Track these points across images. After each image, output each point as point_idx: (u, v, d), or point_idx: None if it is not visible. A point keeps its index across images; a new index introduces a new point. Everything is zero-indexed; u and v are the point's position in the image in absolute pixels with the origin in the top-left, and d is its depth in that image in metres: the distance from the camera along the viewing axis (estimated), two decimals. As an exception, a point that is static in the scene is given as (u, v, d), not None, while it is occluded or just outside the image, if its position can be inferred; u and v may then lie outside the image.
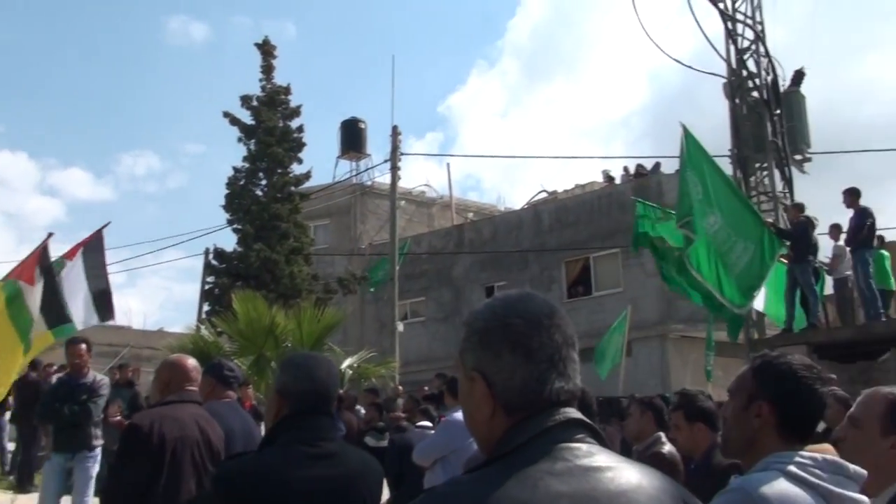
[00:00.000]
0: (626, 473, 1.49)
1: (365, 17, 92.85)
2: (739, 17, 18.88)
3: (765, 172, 18.68)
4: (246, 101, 27.67)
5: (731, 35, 18.55)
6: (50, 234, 10.41)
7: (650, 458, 5.23)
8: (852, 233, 15.10)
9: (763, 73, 18.60)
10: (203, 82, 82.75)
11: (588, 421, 1.56)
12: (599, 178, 33.38)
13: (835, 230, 16.24)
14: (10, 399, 14.62)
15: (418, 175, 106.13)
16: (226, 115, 27.46)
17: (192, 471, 4.26)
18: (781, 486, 2.16)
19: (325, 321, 16.65)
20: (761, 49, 18.67)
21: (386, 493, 7.66)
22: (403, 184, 28.52)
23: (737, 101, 18.54)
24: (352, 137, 37.20)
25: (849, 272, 15.83)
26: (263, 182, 27.49)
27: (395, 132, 24.74)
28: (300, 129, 28.07)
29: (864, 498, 2.24)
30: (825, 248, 16.07)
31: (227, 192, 27.23)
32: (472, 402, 1.58)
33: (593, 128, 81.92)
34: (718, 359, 19.87)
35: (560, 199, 33.20)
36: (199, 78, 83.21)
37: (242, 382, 7.79)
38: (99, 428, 9.38)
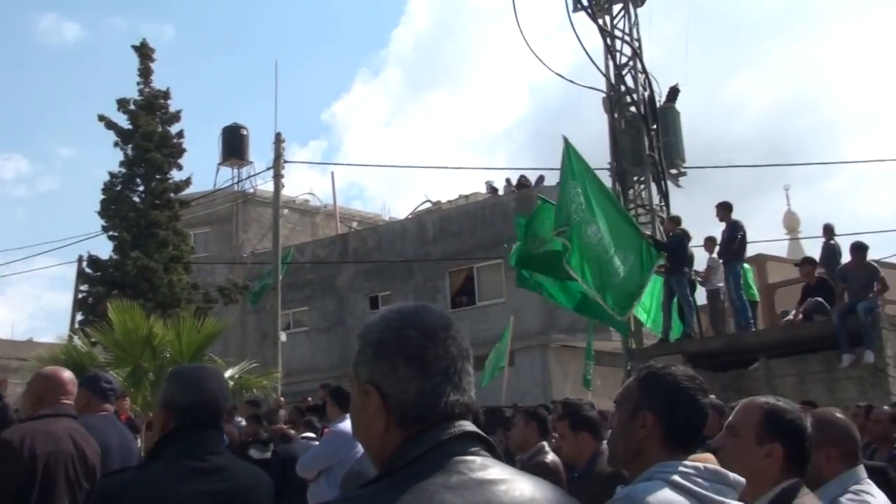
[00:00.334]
0: (520, 486, 1.49)
1: (247, 21, 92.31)
2: (618, 33, 19.29)
3: (642, 185, 19.07)
4: (123, 104, 27.08)
5: (609, 51, 18.89)
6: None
7: (534, 468, 5.24)
8: (725, 245, 15.29)
9: (640, 88, 18.99)
10: (76, 84, 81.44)
11: (482, 434, 1.55)
12: (483, 189, 33.52)
13: (709, 243, 16.27)
14: None
15: (302, 183, 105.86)
16: (101, 118, 26.86)
17: (66, 487, 4.08)
18: (665, 494, 2.19)
19: (205, 331, 16.26)
20: (638, 65, 19.11)
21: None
22: (287, 192, 28.34)
23: (615, 115, 18.84)
24: (233, 144, 36.57)
25: (721, 284, 15.87)
26: (141, 188, 26.93)
27: (279, 139, 24.56)
28: (180, 134, 27.66)
29: None
30: (699, 260, 16.33)
31: (102, 197, 26.58)
32: (366, 415, 1.55)
33: (476, 139, 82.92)
34: (597, 368, 20.03)
35: (444, 210, 33.23)
36: (71, 79, 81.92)
37: (120, 395, 7.51)
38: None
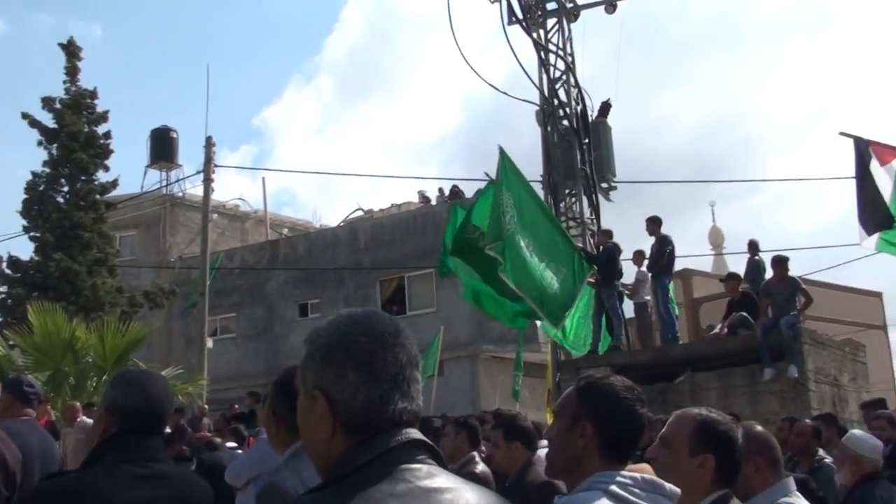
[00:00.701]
0: (465, 494, 1.51)
1: (178, 23, 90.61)
2: (552, 47, 19.39)
3: (573, 198, 19.19)
4: (48, 103, 26.51)
5: (543, 64, 18.90)
6: None
7: (464, 478, 5.18)
8: (654, 259, 15.41)
9: (573, 102, 19.05)
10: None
11: (429, 442, 1.54)
12: (415, 199, 33.47)
13: (637, 256, 16.38)
14: None
15: (232, 188, 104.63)
16: (24, 116, 26.28)
17: (-16, 493, 4.34)
18: (603, 504, 2.41)
19: (129, 336, 16.10)
20: (571, 80, 19.18)
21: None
22: (216, 196, 27.88)
23: (548, 128, 18.86)
24: (162, 146, 35.95)
25: (648, 297, 16.01)
26: (66, 189, 26.43)
27: (209, 143, 24.15)
28: (107, 135, 27.12)
29: None
30: (628, 274, 16.38)
31: (24, 197, 25.96)
32: (312, 421, 1.53)
33: (409, 148, 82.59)
34: (526, 379, 20.04)
35: (376, 218, 33.07)
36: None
37: (43, 400, 7.31)
38: None
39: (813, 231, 77.02)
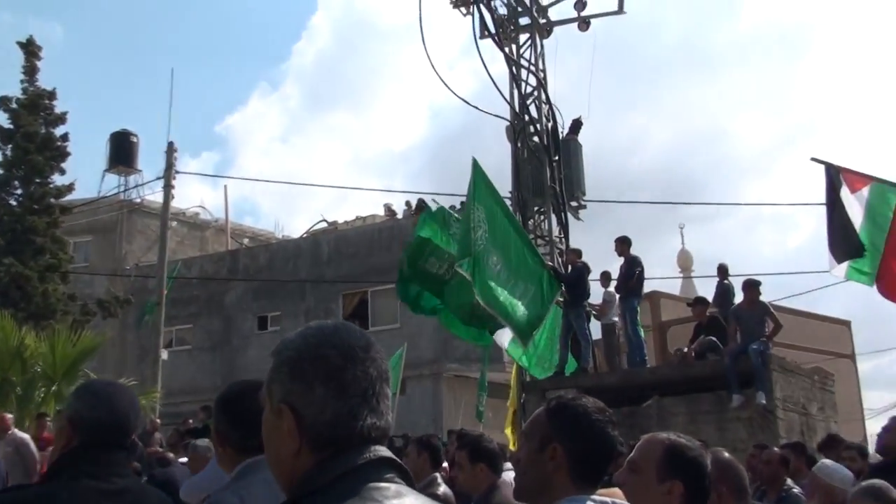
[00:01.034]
0: None
1: (143, 25, 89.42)
2: (524, 63, 19.29)
3: (542, 216, 19.01)
4: (4, 102, 26.28)
5: (515, 79, 18.84)
6: None
7: (426, 499, 5.45)
8: (622, 280, 15.41)
9: (544, 119, 18.93)
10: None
11: (397, 460, 1.53)
12: (381, 211, 33.06)
13: (604, 277, 16.45)
14: None
15: (192, 195, 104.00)
16: (-21, 115, 28.25)
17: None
18: (575, 529, 2.34)
19: (81, 345, 15.89)
20: (543, 96, 19.12)
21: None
22: (176, 203, 27.61)
23: (518, 144, 18.72)
24: (122, 151, 35.62)
25: (616, 318, 15.91)
26: (19, 191, 26.15)
27: (171, 148, 24.00)
28: (64, 137, 26.87)
29: None
30: (595, 294, 16.30)
31: (-25, 199, 27.75)
32: (278, 436, 1.52)
33: (375, 160, 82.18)
34: (490, 400, 19.99)
35: (340, 231, 32.60)
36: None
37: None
38: None
39: (783, 257, 77.73)
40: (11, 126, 26.18)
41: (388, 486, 1.46)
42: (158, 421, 17.23)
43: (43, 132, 26.46)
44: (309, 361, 1.51)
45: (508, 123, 18.82)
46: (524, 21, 19.90)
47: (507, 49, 18.89)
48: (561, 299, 15.17)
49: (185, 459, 9.00)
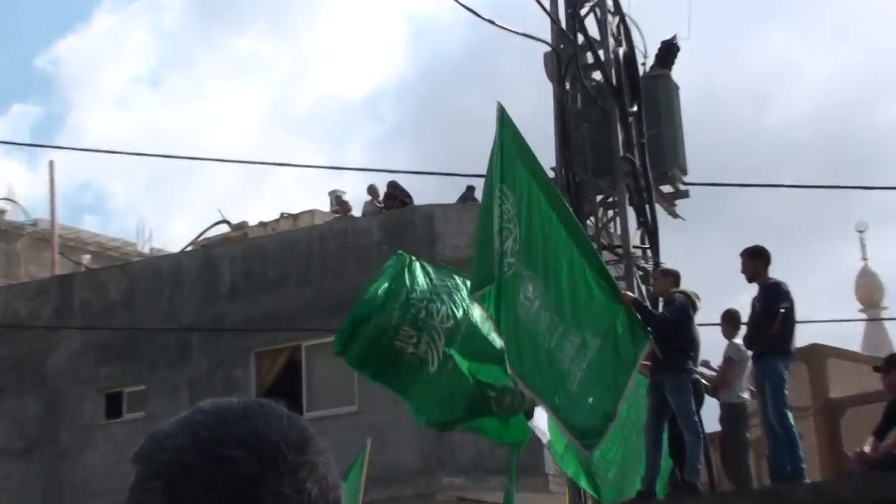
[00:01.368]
0: None
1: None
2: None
3: (611, 211, 18.63)
4: None
5: (560, -28, 18.30)
6: None
7: None
8: (756, 325, 14.13)
9: (611, 40, 18.14)
10: None
11: None
12: (324, 205, 31.88)
13: (729, 320, 15.06)
14: None
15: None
16: None
17: None
18: None
19: None
20: (609, 3, 18.26)
21: None
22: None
23: (567, 85, 17.93)
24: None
25: (746, 394, 14.90)
26: None
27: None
28: None
29: None
30: (707, 350, 15.56)
31: None
32: None
33: (313, 115, 68.32)
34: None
35: (252, 239, 30.52)
36: None
37: None
38: None
39: None
40: None
41: None
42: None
43: None
44: (200, 472, 1.39)
45: (549, 49, 17.96)
46: None
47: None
48: (646, 362, 13.86)
49: None
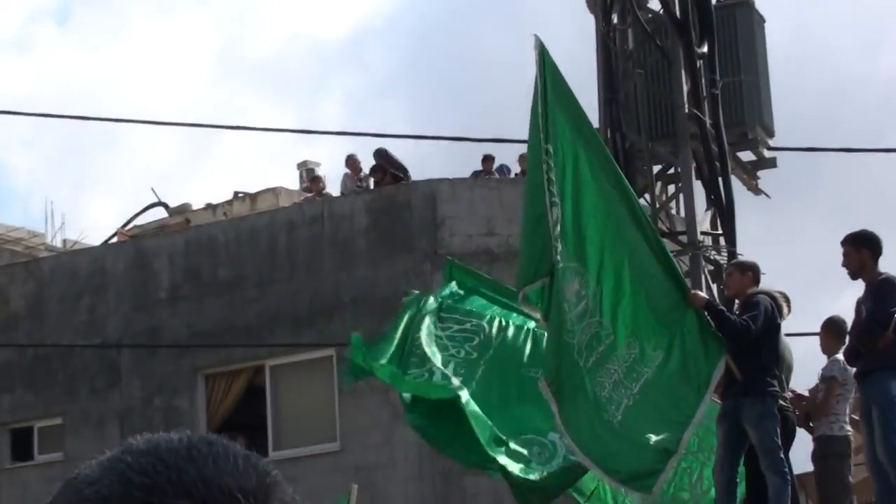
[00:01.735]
0: None
1: None
2: None
3: (671, 186, 19.01)
4: None
5: None
6: None
7: None
8: (861, 334, 13.89)
9: None
10: None
11: None
12: (293, 181, 30.77)
13: (830, 332, 15.14)
14: None
15: None
16: None
17: None
18: None
19: None
20: None
21: None
22: None
23: (614, 19, 18.08)
24: None
25: (848, 427, 15.03)
26: None
27: None
28: None
29: None
30: (803, 367, 15.86)
31: None
32: None
33: (272, 62, 63.60)
34: None
35: (197, 228, 29.63)
36: None
37: None
38: None
39: None
40: None
41: None
42: None
43: None
44: None
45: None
46: None
47: None
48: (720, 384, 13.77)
49: None
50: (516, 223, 25.06)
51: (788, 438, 14.68)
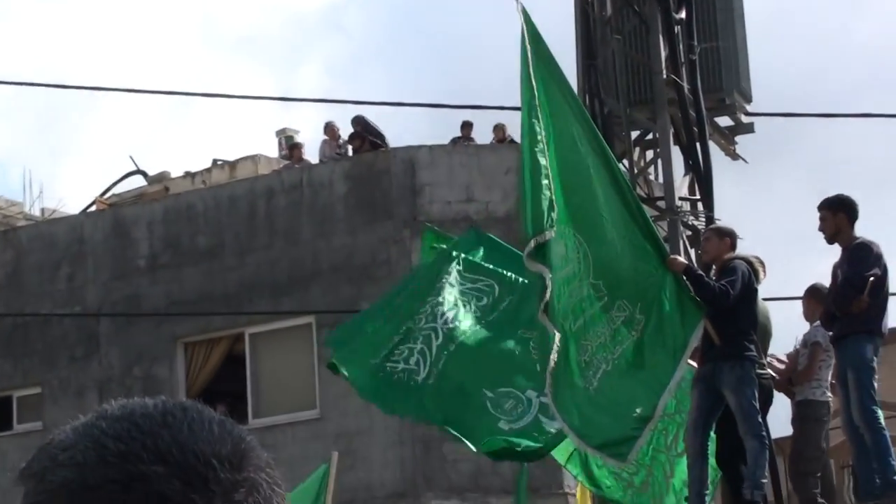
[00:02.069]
0: None
1: None
2: None
3: (649, 152, 19.36)
4: None
5: None
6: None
7: None
8: (837, 297, 13.93)
9: None
10: None
11: None
12: (271, 149, 30.69)
13: (818, 299, 15.09)
14: None
15: None
16: None
17: None
18: None
19: None
20: None
21: None
22: None
23: None
24: None
25: (828, 392, 15.06)
26: None
27: None
28: None
29: None
30: (781, 334, 16.00)
31: None
32: None
33: (251, 31, 66.02)
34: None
35: (175, 196, 29.13)
36: None
37: None
38: None
39: None
40: None
41: None
42: None
43: None
44: (108, 495, 1.39)
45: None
46: None
47: None
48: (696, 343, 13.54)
49: None
50: (495, 190, 25.15)
51: (766, 403, 14.65)
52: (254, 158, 32.31)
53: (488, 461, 20.35)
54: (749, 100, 19.63)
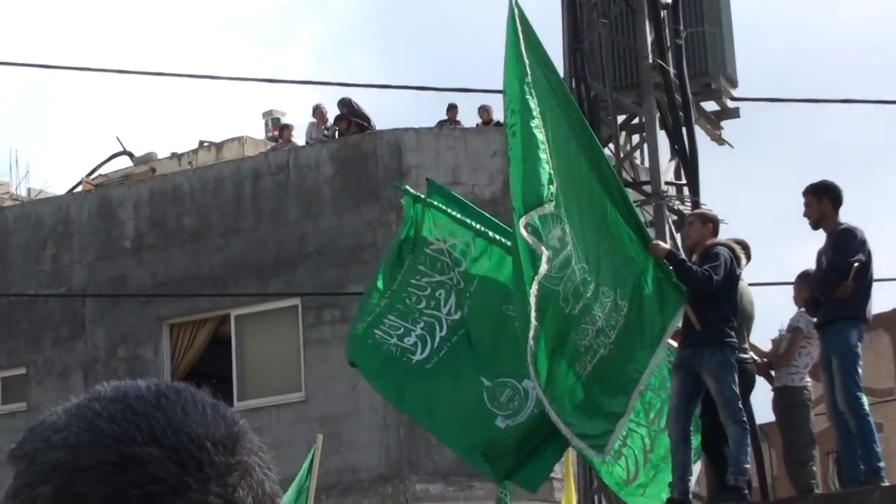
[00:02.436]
0: None
1: None
2: None
3: (635, 136, 19.01)
4: None
5: None
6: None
7: None
8: (824, 285, 13.99)
9: None
10: None
11: None
12: (257, 131, 30.37)
13: (807, 283, 14.95)
14: None
15: None
16: None
17: None
18: None
19: None
20: None
21: None
22: None
23: None
24: None
25: (807, 377, 15.15)
26: None
27: None
28: None
29: None
30: (763, 320, 15.42)
31: None
32: None
33: (239, 4, 69.06)
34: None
35: (161, 177, 28.99)
36: None
37: None
38: None
39: None
40: None
41: None
42: None
43: None
44: (102, 476, 1.39)
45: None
46: None
47: None
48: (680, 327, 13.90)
49: None
50: (482, 172, 25.13)
51: (747, 389, 14.80)
52: (240, 140, 32.27)
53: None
54: (735, 85, 19.94)
